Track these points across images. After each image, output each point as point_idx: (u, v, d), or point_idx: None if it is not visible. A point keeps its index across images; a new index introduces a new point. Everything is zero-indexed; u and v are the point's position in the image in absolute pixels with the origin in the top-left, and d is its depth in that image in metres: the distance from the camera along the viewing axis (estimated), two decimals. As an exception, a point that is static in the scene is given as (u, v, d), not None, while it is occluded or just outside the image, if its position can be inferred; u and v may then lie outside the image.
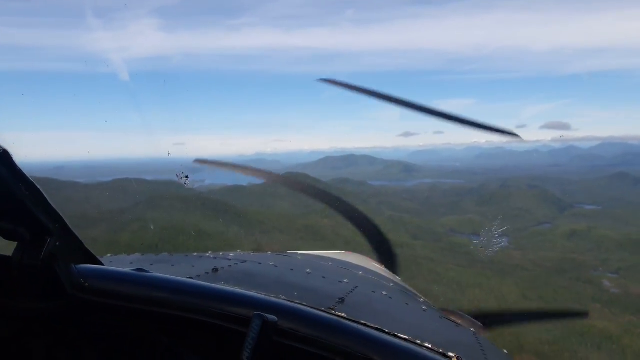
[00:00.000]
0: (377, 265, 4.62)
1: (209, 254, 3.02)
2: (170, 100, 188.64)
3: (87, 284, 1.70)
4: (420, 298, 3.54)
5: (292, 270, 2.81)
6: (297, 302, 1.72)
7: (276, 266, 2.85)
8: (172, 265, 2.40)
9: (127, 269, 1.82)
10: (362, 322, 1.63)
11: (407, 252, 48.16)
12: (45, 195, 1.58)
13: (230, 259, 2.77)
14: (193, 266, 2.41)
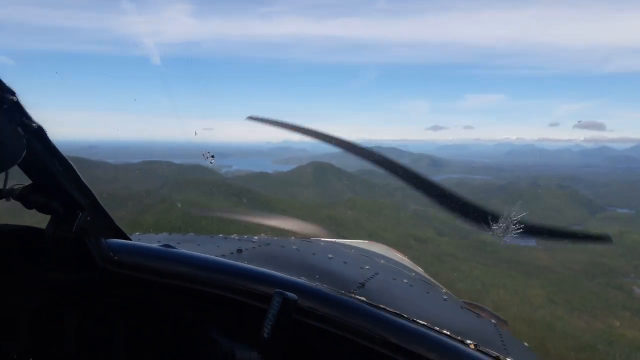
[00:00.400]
0: (400, 255, 4.56)
1: (234, 236, 3.07)
2: (200, 85, 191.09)
3: (116, 258, 1.78)
4: (442, 289, 3.48)
5: (314, 254, 2.82)
6: (317, 284, 1.77)
7: (299, 250, 2.88)
8: (198, 245, 2.43)
9: (155, 245, 1.89)
10: (382, 306, 1.66)
11: (431, 248, 47.61)
12: (78, 172, 1.65)
13: (254, 242, 2.81)
14: (218, 246, 2.44)
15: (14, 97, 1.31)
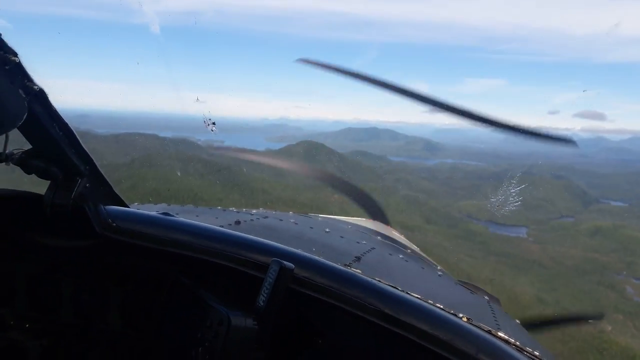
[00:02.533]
0: (397, 233, 4.61)
1: (233, 208, 3.12)
2: (198, 57, 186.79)
3: (114, 224, 1.76)
4: (437, 266, 3.53)
5: (311, 228, 2.86)
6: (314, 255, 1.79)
7: (296, 223, 2.90)
8: (197, 216, 2.43)
9: (153, 213, 1.87)
10: (376, 279, 1.69)
11: (417, 236, 45.37)
12: (78, 137, 1.65)
13: (252, 214, 2.87)
14: (217, 218, 2.44)
15: (16, 58, 1.29)
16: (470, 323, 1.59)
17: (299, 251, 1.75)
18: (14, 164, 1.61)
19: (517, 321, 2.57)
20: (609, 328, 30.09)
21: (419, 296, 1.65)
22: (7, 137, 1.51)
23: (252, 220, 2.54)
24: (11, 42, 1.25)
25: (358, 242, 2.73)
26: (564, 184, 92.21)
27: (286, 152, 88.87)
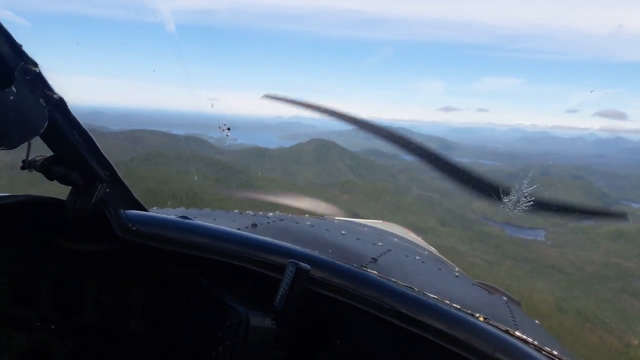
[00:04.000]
0: (414, 235, 4.56)
1: (249, 212, 3.09)
2: (213, 56, 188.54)
3: (135, 228, 1.78)
4: (455, 267, 3.48)
5: (327, 230, 2.86)
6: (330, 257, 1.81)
7: (312, 226, 2.92)
8: (214, 219, 2.43)
9: (172, 216, 1.91)
10: (392, 279, 1.72)
11: (431, 239, 43.54)
12: (97, 144, 1.70)
13: (269, 217, 2.91)
14: (234, 221, 2.48)
15: (37, 69, 1.34)
16: (487, 323, 1.59)
17: (314, 253, 1.77)
18: (37, 171, 1.67)
19: (537, 322, 2.53)
20: (636, 342, 28.12)
21: (436, 296, 1.66)
22: (29, 144, 1.55)
23: (268, 223, 2.56)
24: (29, 40, 1.27)
25: (374, 244, 2.73)
26: (582, 184, 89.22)
27: (297, 151, 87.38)
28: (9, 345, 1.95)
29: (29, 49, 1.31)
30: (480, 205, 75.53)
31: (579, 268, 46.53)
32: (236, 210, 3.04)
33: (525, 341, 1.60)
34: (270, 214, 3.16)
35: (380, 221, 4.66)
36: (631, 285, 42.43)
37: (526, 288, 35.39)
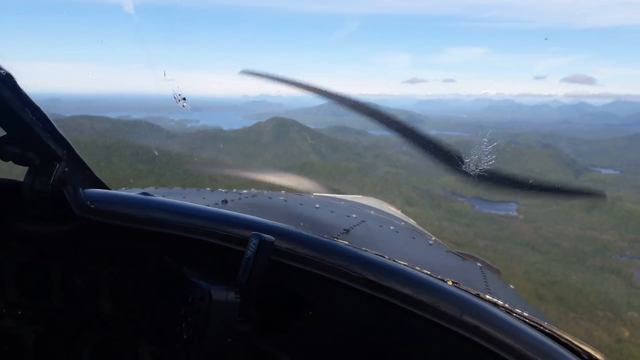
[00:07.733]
0: (393, 208, 4.60)
1: (221, 189, 3.09)
2: (173, 35, 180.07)
3: (93, 206, 1.75)
4: (431, 237, 3.44)
5: (301, 204, 2.85)
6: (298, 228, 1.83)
7: (286, 201, 2.91)
8: (184, 197, 2.42)
9: (132, 193, 1.88)
10: (362, 248, 1.70)
11: (396, 222, 40.11)
12: (52, 122, 1.64)
13: (241, 194, 2.86)
14: (204, 198, 2.47)
15: None
16: (457, 287, 1.61)
17: (280, 224, 1.75)
18: None
19: (512, 287, 2.53)
20: (627, 333, 25.22)
21: (405, 263, 1.67)
22: None
23: (240, 199, 2.53)
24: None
25: (348, 216, 2.65)
26: (551, 152, 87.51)
27: (255, 131, 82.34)
28: None
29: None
30: (448, 179, 72.80)
31: (554, 245, 44.07)
32: (208, 188, 2.90)
33: (495, 304, 1.59)
34: (245, 191, 2.99)
35: (360, 196, 4.53)
36: (611, 262, 40.09)
37: (502, 273, 32.28)
